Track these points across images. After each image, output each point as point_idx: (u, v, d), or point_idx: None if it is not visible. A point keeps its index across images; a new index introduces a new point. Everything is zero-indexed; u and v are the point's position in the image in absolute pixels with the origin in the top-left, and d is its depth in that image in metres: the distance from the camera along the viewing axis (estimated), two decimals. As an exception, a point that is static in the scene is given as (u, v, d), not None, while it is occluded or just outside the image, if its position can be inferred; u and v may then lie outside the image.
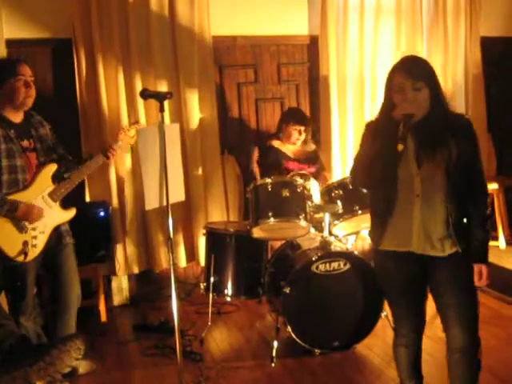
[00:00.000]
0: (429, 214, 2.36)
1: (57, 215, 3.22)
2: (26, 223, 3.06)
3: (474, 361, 2.45)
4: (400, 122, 2.29)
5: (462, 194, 2.35)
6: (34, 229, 3.10)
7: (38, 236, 3.12)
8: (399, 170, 2.36)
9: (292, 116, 4.50)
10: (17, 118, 3.12)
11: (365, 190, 2.76)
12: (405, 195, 2.38)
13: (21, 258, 3.02)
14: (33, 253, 3.08)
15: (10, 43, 4.24)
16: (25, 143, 3.13)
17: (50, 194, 3.18)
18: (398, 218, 2.41)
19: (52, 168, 3.21)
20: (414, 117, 2.30)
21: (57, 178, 3.23)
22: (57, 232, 3.24)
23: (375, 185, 2.46)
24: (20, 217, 3.02)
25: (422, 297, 2.54)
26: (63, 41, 4.37)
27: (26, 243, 3.04)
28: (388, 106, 2.39)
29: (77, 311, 3.38)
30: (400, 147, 2.25)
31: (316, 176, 4.42)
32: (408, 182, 2.37)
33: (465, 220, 2.38)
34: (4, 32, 4.23)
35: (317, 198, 3.90)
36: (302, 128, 4.44)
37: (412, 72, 2.29)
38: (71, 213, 3.30)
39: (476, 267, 2.37)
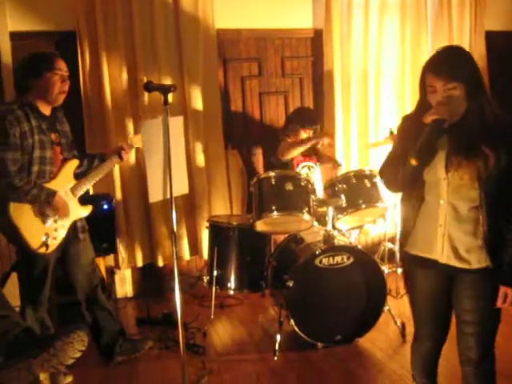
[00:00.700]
0: (456, 223, 2.18)
1: (76, 210, 3.28)
2: (50, 215, 3.11)
3: (487, 373, 2.36)
4: (427, 126, 2.10)
5: (499, 206, 2.12)
6: (55, 221, 3.15)
7: (59, 229, 3.17)
8: (426, 172, 2.20)
9: (302, 120, 4.45)
10: (46, 111, 3.16)
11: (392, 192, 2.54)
12: (431, 199, 2.23)
13: (42, 250, 3.08)
14: (52, 245, 3.14)
15: (15, 36, 4.25)
16: (53, 136, 3.18)
17: (72, 189, 3.25)
18: (423, 223, 2.27)
19: (75, 164, 3.29)
20: (445, 122, 2.10)
21: (77, 174, 3.32)
22: (73, 227, 3.29)
23: (402, 187, 2.32)
24: (55, 207, 3.09)
25: (446, 309, 2.37)
26: (67, 33, 4.37)
27: (47, 235, 3.09)
28: (421, 104, 2.22)
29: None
30: (413, 162, 2.12)
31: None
32: (435, 186, 2.20)
33: (501, 234, 2.15)
34: (8, 25, 4.23)
35: (319, 185, 3.89)
36: (312, 131, 4.45)
37: (443, 72, 2.07)
38: (88, 209, 3.38)
39: (502, 289, 2.16)
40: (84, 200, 3.38)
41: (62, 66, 3.13)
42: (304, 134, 4.41)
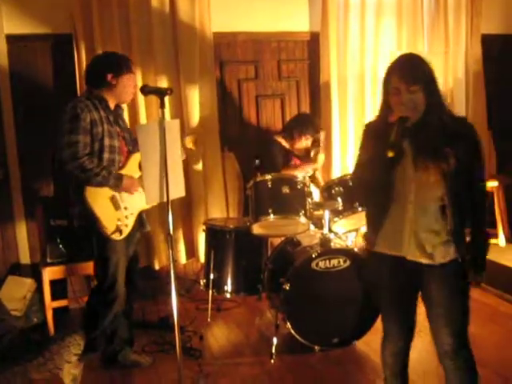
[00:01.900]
0: (422, 221, 2.32)
1: (142, 200, 3.30)
2: (120, 201, 3.22)
3: (467, 365, 2.40)
4: (395, 125, 2.25)
5: (463, 202, 2.30)
6: (126, 208, 3.25)
7: (129, 216, 3.28)
8: (396, 174, 2.32)
9: (305, 126, 4.43)
10: (112, 105, 3.29)
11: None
12: (399, 199, 2.35)
13: (116, 235, 3.19)
14: (125, 231, 3.24)
15: (11, 39, 4.25)
16: (117, 129, 3.30)
17: (138, 180, 3.31)
18: (391, 222, 2.38)
19: (139, 156, 3.31)
20: (408, 120, 2.26)
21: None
22: (139, 218, 3.39)
23: (372, 188, 2.41)
24: (125, 187, 3.21)
25: (412, 305, 2.49)
26: (63, 36, 4.36)
27: (120, 221, 3.20)
28: (385, 107, 2.37)
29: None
30: (390, 154, 2.20)
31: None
32: (403, 186, 2.33)
33: (464, 229, 2.35)
34: (4, 27, 4.23)
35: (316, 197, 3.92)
36: (312, 138, 4.45)
37: (407, 75, 2.25)
38: None
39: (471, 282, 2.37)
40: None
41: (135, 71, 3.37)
42: (304, 141, 4.42)
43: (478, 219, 2.37)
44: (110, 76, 3.20)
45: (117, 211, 3.21)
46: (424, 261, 2.34)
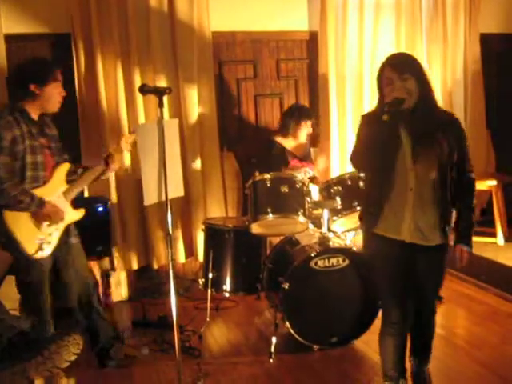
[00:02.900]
0: (421, 208, 2.54)
1: (69, 214, 3.24)
2: (43, 221, 3.09)
3: (432, 329, 2.83)
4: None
5: (455, 188, 2.55)
6: (49, 225, 3.12)
7: (53, 233, 3.15)
8: (396, 163, 2.51)
9: (301, 113, 4.48)
10: (35, 115, 3.12)
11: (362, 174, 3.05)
12: (399, 187, 2.54)
13: (39, 255, 3.06)
14: (47, 249, 3.12)
15: (9, 38, 4.23)
16: (42, 141, 3.14)
17: (64, 193, 3.22)
18: (392, 208, 2.57)
19: (66, 167, 3.25)
20: (404, 102, 2.46)
21: (68, 178, 3.29)
22: (66, 231, 3.26)
23: (373, 168, 2.60)
24: (44, 215, 3.06)
25: (409, 285, 2.68)
26: (62, 36, 4.35)
27: (42, 239, 3.08)
28: (382, 100, 2.58)
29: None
30: (384, 117, 2.38)
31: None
32: (403, 175, 2.52)
33: (453, 215, 2.62)
34: (3, 27, 4.22)
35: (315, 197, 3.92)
36: (311, 122, 4.48)
37: (398, 65, 2.51)
38: (80, 213, 3.34)
39: (458, 247, 2.62)
40: (79, 202, 3.36)
41: (61, 78, 3.14)
42: (305, 129, 4.43)
43: (467, 201, 2.61)
44: (33, 86, 3.00)
45: (39, 229, 3.08)
46: (421, 242, 2.58)
